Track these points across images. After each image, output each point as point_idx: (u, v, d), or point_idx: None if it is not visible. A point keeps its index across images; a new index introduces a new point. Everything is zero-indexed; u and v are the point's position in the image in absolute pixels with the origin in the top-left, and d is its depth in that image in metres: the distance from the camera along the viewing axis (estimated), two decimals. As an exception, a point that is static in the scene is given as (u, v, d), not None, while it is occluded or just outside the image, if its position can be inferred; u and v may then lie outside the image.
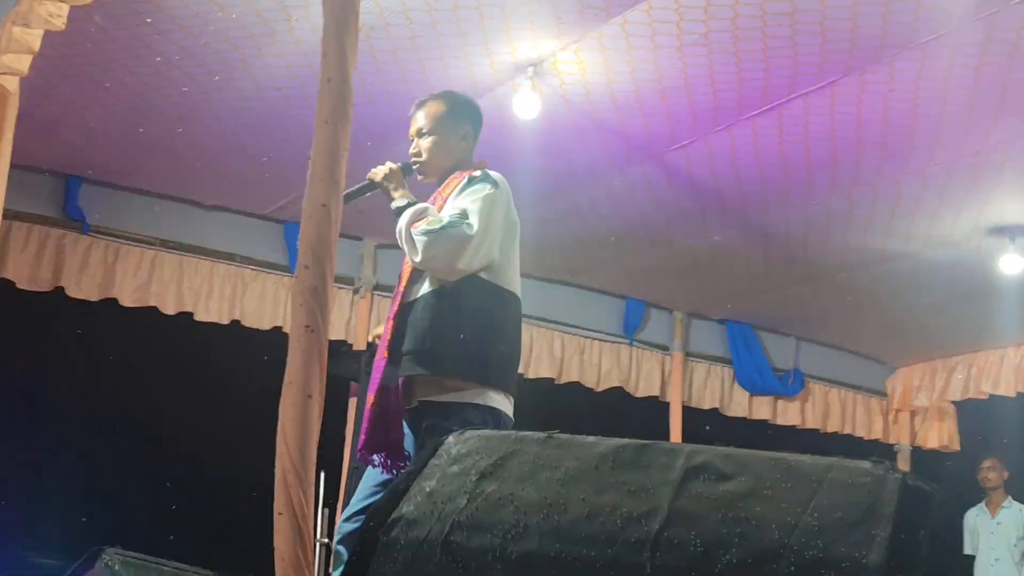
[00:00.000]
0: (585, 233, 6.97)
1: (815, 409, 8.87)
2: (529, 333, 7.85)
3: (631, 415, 8.34)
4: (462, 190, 3.68)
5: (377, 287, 7.37)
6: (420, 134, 3.87)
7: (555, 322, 7.98)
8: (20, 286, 6.42)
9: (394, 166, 3.81)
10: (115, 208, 6.71)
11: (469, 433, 2.23)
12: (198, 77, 5.31)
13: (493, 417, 3.58)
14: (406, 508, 2.09)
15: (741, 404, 8.63)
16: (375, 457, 3.71)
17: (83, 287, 6.62)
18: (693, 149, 5.70)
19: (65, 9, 3.57)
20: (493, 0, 4.47)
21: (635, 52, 4.82)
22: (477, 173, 3.72)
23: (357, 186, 3.84)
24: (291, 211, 6.96)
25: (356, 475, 6.82)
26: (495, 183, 3.70)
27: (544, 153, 5.81)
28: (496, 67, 5.02)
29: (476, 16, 4.59)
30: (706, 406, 8.52)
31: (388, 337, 3.72)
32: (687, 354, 8.44)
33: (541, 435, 2.18)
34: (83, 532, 5.71)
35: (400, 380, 3.63)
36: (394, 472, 3.68)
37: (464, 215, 3.58)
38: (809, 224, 6.61)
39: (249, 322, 7.07)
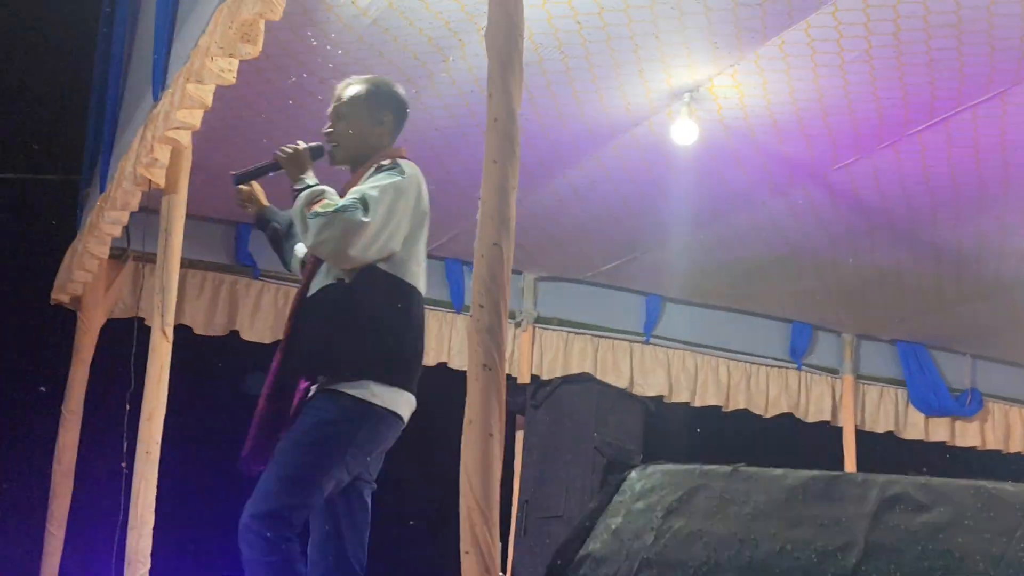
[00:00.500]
0: (748, 258, 6.87)
1: (995, 429, 8.52)
2: (694, 360, 7.80)
3: (802, 441, 8.15)
4: (368, 178, 3.51)
5: (538, 319, 7.41)
6: (335, 117, 3.71)
7: (720, 349, 7.89)
8: (197, 331, 6.65)
9: (301, 146, 3.63)
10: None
11: (652, 468, 2.20)
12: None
13: (374, 415, 3.38)
14: (593, 546, 2.08)
15: (917, 426, 8.34)
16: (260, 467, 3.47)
17: (256, 330, 6.83)
18: (857, 167, 5.55)
19: (235, 64, 3.70)
20: (647, 29, 4.45)
21: (794, 72, 4.73)
22: (387, 162, 3.55)
23: (260, 164, 3.73)
24: (451, 248, 7.05)
25: (526, 508, 6.88)
26: (403, 172, 3.52)
27: (703, 179, 5.75)
28: (652, 95, 4.99)
29: (630, 46, 4.57)
30: (880, 429, 8.28)
31: (285, 335, 3.55)
32: (858, 376, 8.22)
33: (726, 468, 2.14)
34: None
35: (299, 381, 3.46)
36: None
37: (362, 201, 3.39)
38: (982, 238, 6.36)
39: (416, 359, 7.16)
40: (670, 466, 2.28)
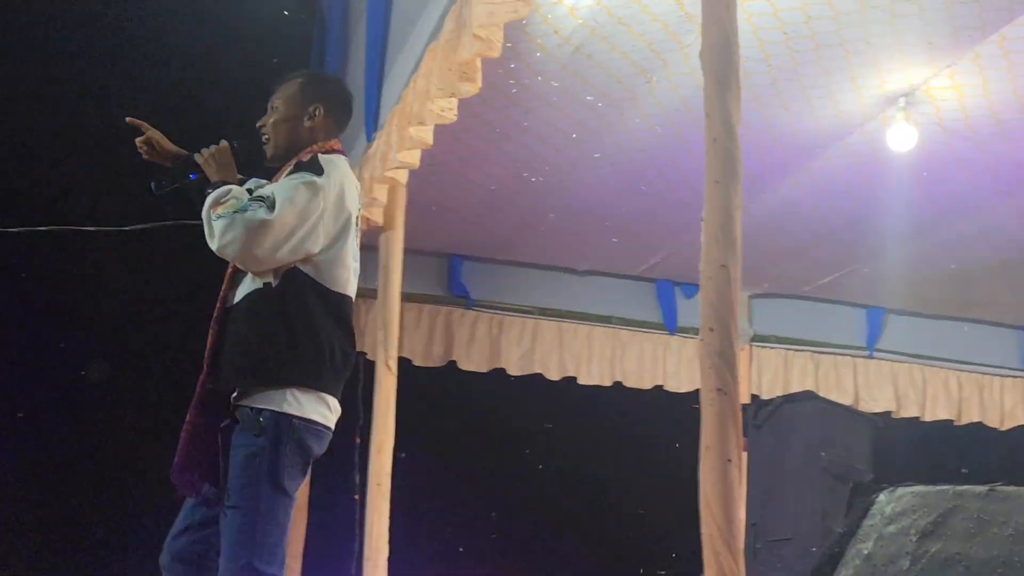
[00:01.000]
0: (974, 263, 6.55)
1: None
2: (922, 373, 7.49)
3: (1045, 456, 7.72)
4: (287, 175, 3.32)
5: (755, 338, 7.26)
6: (268, 111, 3.54)
7: (949, 360, 7.55)
8: (416, 363, 6.79)
9: (223, 145, 3.42)
10: (495, 282, 7.01)
11: (901, 491, 2.10)
12: (564, 150, 5.46)
13: (297, 429, 3.18)
14: (845, 572, 2.00)
15: None
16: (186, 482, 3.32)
17: (473, 359, 6.93)
18: (1090, 163, 5.24)
19: (455, 103, 3.76)
20: (857, 35, 4.31)
21: (1017, 68, 4.49)
22: (307, 158, 3.36)
23: (171, 171, 3.47)
24: (661, 270, 7.00)
25: (754, 531, 6.75)
26: (320, 171, 3.30)
27: (923, 184, 5.52)
28: (864, 101, 4.83)
29: (841, 53, 4.44)
30: None
31: (208, 346, 3.35)
32: (1100, 383, 7.73)
33: (982, 488, 2.03)
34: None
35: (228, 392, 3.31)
36: (200, 496, 3.32)
37: (267, 199, 3.21)
38: None
39: (631, 383, 7.15)
40: (920, 487, 2.18)
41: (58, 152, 7.19)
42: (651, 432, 7.32)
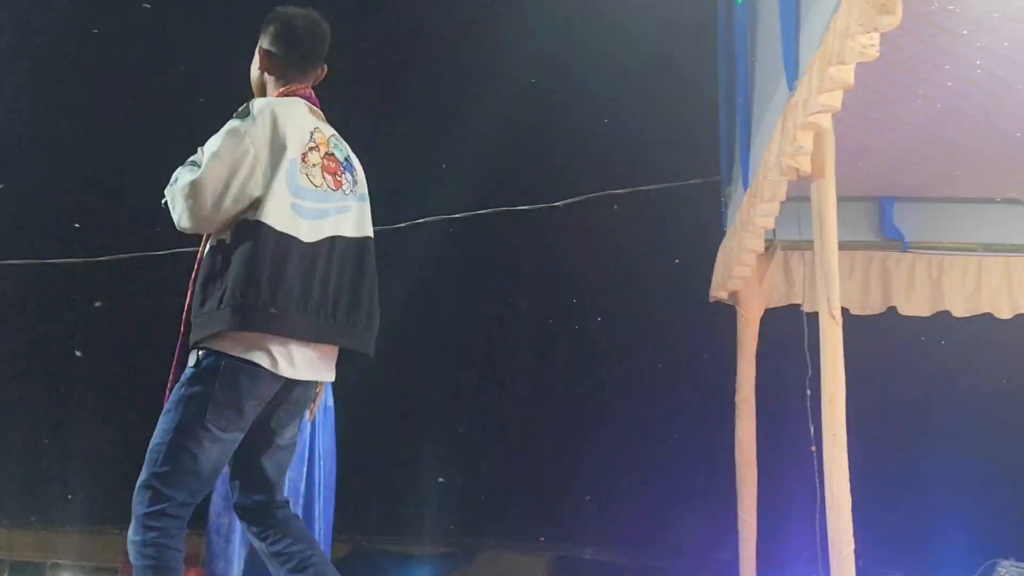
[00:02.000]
0: None
1: None
2: None
3: None
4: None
5: None
6: None
7: None
8: (854, 312, 6.62)
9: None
10: (931, 221, 6.68)
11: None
12: (1000, 73, 5.10)
13: (231, 368, 3.22)
14: None
15: None
16: None
17: (913, 304, 6.67)
18: None
19: (876, 38, 3.63)
20: None
21: None
22: (242, 107, 3.36)
23: None
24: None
25: None
26: (247, 115, 3.30)
27: None
28: None
29: None
30: None
31: (187, 306, 3.40)
32: None
33: None
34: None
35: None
36: None
37: (197, 160, 3.30)
38: None
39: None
40: None
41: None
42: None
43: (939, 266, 6.66)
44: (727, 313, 6.70)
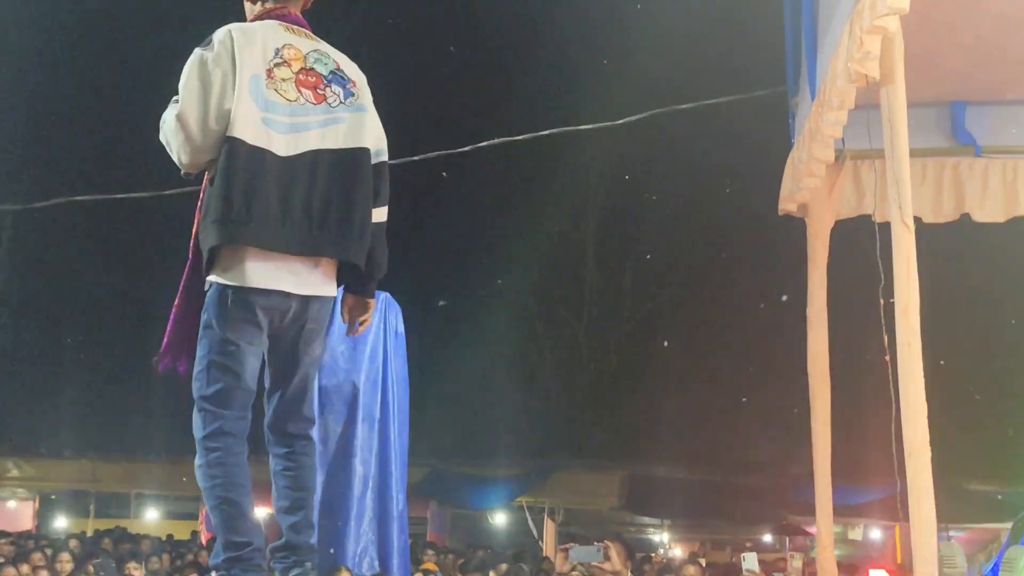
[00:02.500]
0: None
1: None
2: None
3: None
4: None
5: None
6: None
7: None
8: (926, 220, 6.50)
9: None
10: (1005, 125, 6.50)
11: None
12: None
13: (216, 294, 3.45)
14: None
15: None
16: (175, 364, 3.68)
17: (987, 210, 6.53)
18: None
19: (944, -65, 3.52)
20: None
21: None
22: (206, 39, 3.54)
23: None
24: None
25: None
26: (208, 42, 3.48)
27: None
28: None
29: None
30: None
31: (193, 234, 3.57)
32: None
33: None
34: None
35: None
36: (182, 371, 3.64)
37: (176, 100, 3.47)
38: None
39: None
40: None
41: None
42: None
43: (1014, 170, 6.50)
44: (797, 226, 6.62)
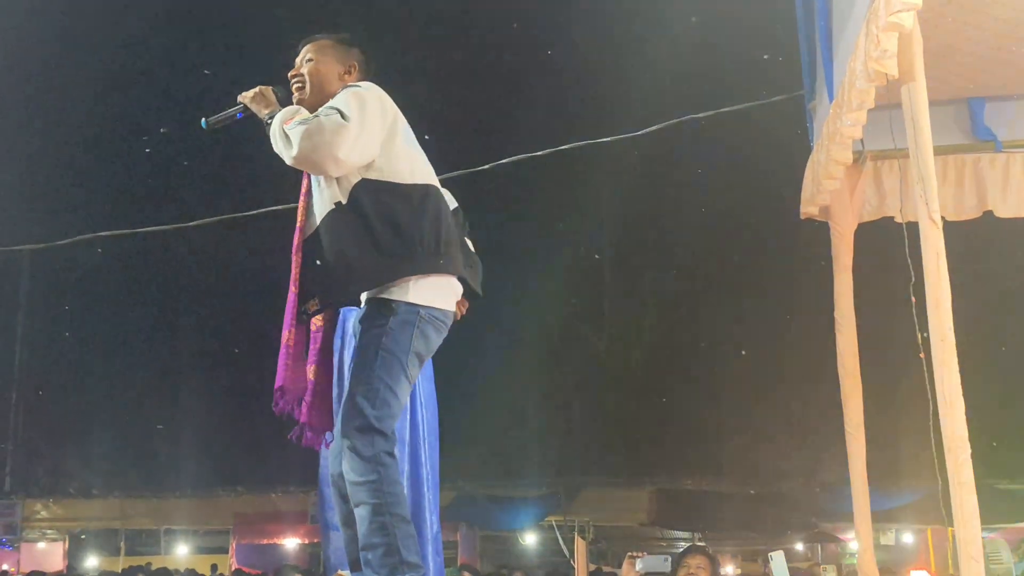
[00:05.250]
0: None
1: None
2: None
3: None
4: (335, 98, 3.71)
5: None
6: (305, 61, 3.94)
7: None
8: (949, 218, 6.47)
9: (265, 87, 3.85)
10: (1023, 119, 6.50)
11: None
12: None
13: (420, 317, 3.59)
14: None
15: None
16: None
17: (1010, 205, 6.51)
18: None
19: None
20: None
21: None
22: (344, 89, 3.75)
23: (225, 112, 3.91)
24: None
25: None
26: (359, 85, 3.72)
27: None
28: None
29: None
30: None
31: (296, 272, 3.71)
32: None
33: None
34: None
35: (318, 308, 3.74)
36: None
37: (335, 110, 3.56)
38: None
39: None
40: None
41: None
42: None
43: (1038, 164, 6.49)
44: (821, 230, 6.61)
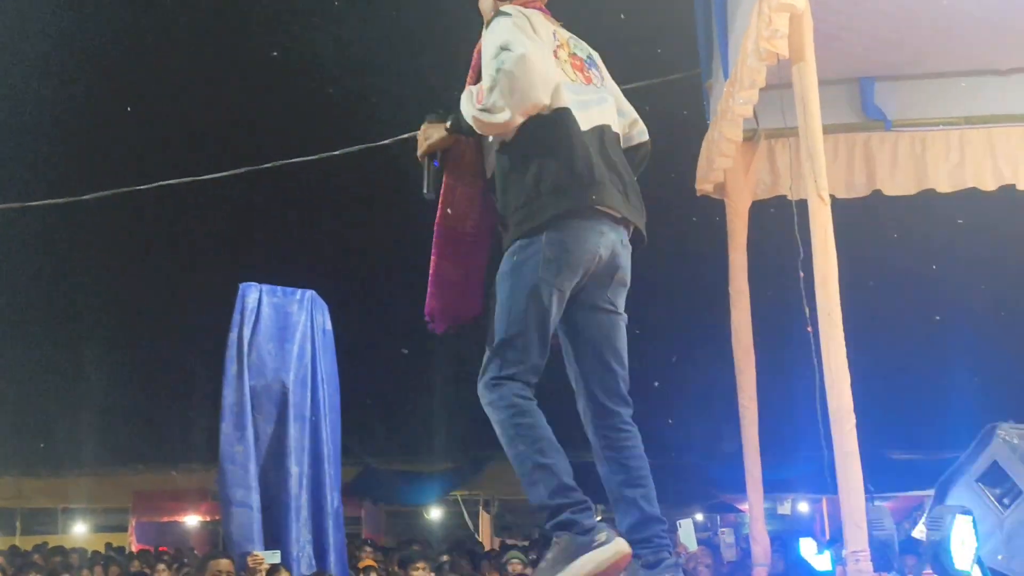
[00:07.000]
0: None
1: None
2: None
3: None
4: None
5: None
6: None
7: None
8: (839, 196, 6.63)
9: (424, 125, 3.68)
10: (912, 98, 6.67)
11: None
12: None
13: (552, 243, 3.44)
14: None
15: None
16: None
17: (898, 183, 6.69)
18: None
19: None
20: None
21: None
22: (493, 15, 3.57)
23: (426, 174, 3.73)
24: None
25: None
26: (505, 13, 3.50)
27: None
28: None
29: None
30: None
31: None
32: None
33: None
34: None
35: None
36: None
37: (503, 47, 3.35)
38: None
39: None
40: None
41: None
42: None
43: (922, 142, 6.67)
44: (717, 207, 6.71)
